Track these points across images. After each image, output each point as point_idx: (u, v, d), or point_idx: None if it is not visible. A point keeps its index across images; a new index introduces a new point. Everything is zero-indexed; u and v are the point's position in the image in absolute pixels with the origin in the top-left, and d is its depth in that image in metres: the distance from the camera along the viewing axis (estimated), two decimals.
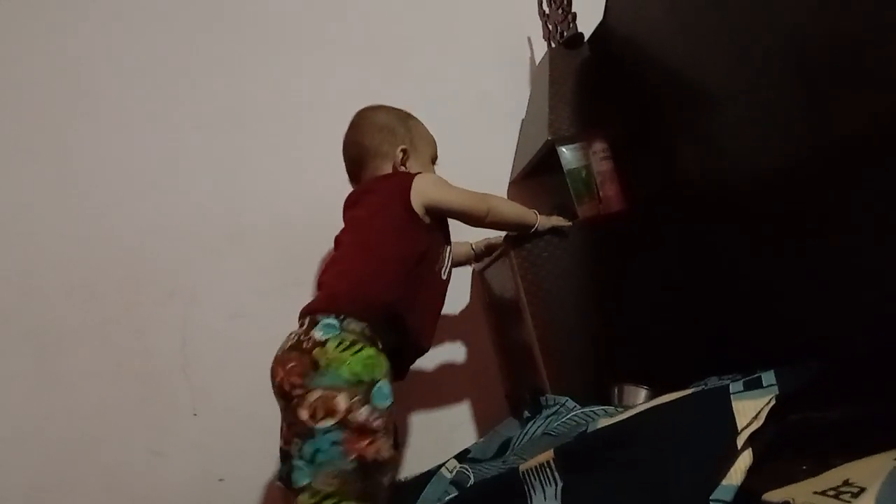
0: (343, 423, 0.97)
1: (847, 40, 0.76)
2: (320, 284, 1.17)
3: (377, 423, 1.00)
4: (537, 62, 1.58)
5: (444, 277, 1.23)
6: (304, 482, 0.95)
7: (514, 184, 1.64)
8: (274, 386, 1.04)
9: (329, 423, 0.96)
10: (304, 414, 0.97)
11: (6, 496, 1.39)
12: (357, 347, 1.03)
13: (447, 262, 1.24)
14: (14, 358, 1.42)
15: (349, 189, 1.28)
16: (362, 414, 0.99)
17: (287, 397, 1.00)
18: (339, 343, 1.03)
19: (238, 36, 1.62)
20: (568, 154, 1.32)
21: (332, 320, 1.04)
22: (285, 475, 1.02)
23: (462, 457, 1.24)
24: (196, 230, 1.53)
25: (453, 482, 1.11)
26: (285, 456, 1.03)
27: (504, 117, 1.66)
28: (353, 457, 0.96)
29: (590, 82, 1.38)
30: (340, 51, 1.65)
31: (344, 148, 1.34)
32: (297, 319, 1.14)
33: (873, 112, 0.75)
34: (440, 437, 1.52)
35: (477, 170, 1.63)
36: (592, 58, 1.41)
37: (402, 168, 1.28)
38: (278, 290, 1.52)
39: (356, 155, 1.31)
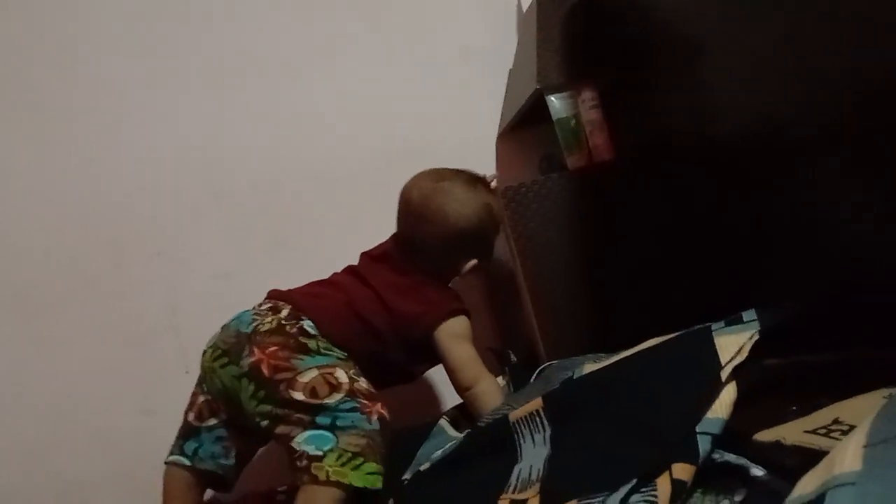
0: (352, 393, 0.98)
1: None
2: (317, 294, 1.15)
3: (374, 390, 1.04)
4: (524, 10, 1.54)
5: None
6: (328, 446, 0.93)
7: (502, 136, 1.61)
8: (238, 367, 1.02)
9: (338, 396, 0.97)
10: (298, 395, 0.96)
11: None
12: None
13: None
14: None
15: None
16: (364, 382, 1.03)
17: (265, 381, 0.98)
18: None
19: None
20: (557, 103, 1.30)
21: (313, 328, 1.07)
22: (192, 452, 1.07)
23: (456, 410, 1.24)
24: (180, 189, 1.50)
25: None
26: (194, 432, 1.07)
27: (490, 70, 1.61)
28: (375, 417, 0.98)
29: (579, 29, 1.34)
30: (318, 4, 1.59)
31: (406, 215, 1.22)
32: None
33: (867, 63, 0.73)
34: (434, 390, 1.53)
35: (462, 125, 1.60)
36: (581, 4, 1.38)
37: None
38: (264, 248, 1.50)
39: (421, 242, 1.20)
